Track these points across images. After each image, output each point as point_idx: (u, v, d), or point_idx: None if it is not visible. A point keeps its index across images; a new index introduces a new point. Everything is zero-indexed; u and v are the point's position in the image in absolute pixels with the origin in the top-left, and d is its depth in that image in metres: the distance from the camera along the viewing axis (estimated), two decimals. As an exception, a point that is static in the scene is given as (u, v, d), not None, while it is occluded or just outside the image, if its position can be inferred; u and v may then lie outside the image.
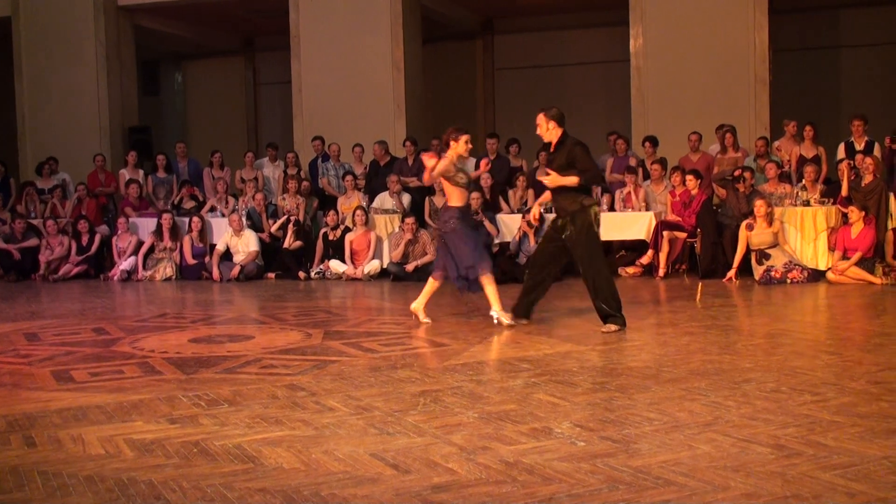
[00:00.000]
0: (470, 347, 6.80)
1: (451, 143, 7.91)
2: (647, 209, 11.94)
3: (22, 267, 13.43)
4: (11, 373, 6.32)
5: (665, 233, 11.41)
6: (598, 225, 7.62)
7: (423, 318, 8.10)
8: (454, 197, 7.91)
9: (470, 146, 7.98)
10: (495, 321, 7.79)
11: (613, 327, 7.41)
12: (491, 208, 12.31)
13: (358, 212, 12.37)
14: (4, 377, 6.17)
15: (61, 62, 16.74)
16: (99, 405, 5.20)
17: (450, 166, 7.84)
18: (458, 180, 7.86)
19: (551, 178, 7.50)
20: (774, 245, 10.60)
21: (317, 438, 4.37)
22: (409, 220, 11.98)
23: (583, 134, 14.81)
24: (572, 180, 7.41)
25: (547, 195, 7.92)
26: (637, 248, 11.90)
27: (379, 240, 12.37)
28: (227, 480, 3.79)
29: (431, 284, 8.12)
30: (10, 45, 17.09)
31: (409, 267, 11.75)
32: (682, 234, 11.53)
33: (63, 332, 8.23)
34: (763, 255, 10.56)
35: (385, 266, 12.16)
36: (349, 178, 13.29)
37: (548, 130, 7.63)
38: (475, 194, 12.09)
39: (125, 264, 12.97)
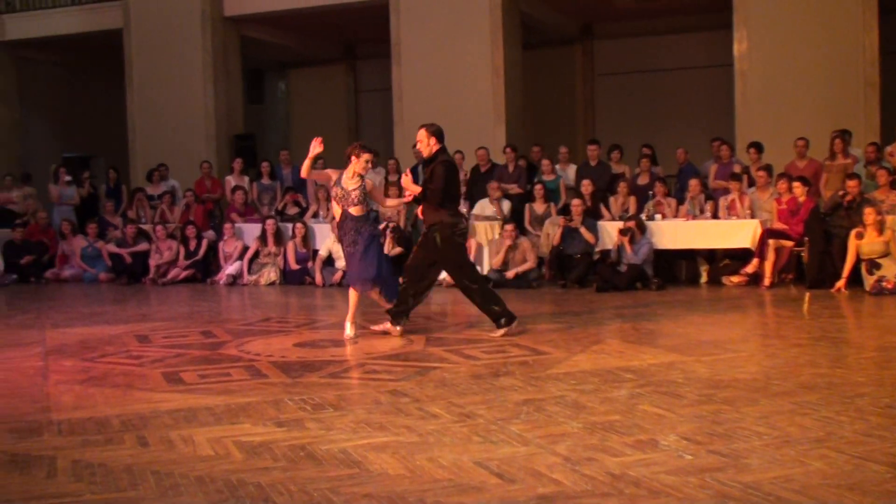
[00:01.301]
0: (572, 356, 6.75)
1: (353, 158, 7.98)
2: (753, 217, 11.67)
3: (133, 270, 13.84)
4: (125, 373, 6.52)
5: (771, 241, 11.15)
6: (464, 237, 8.03)
7: (350, 332, 7.96)
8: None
9: (369, 166, 8.04)
10: (346, 332, 7.93)
11: (504, 330, 7.70)
12: (592, 214, 12.20)
13: (458, 218, 12.39)
14: (118, 378, 6.37)
15: (170, 72, 17.24)
16: (208, 407, 5.33)
17: (327, 172, 8.19)
18: (333, 194, 8.07)
19: (406, 183, 7.95)
20: (886, 254, 10.25)
21: (421, 445, 4.40)
22: (509, 226, 11.96)
23: (684, 139, 14.81)
24: (415, 189, 7.82)
25: (407, 198, 8.27)
26: (742, 256, 11.64)
27: (479, 247, 12.38)
28: (333, 485, 3.84)
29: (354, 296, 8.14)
30: (121, 56, 17.67)
31: (510, 274, 11.73)
32: (789, 243, 11.25)
33: (172, 334, 8.45)
34: (874, 265, 10.23)
35: (485, 273, 12.16)
36: (449, 184, 13.32)
37: (428, 146, 7.86)
38: (576, 201, 12.02)
39: (231, 269, 13.26)
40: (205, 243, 13.86)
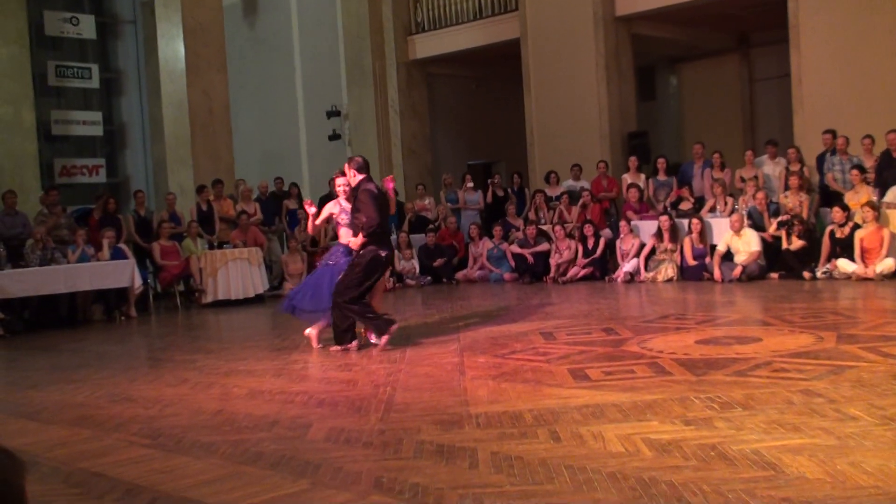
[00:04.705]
0: None
1: None
2: None
3: (535, 270, 14.41)
4: (533, 370, 6.80)
5: None
6: (377, 267, 8.27)
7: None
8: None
9: (339, 191, 8.65)
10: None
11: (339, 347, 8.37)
12: None
13: (867, 207, 11.61)
14: (528, 373, 6.66)
15: (565, 75, 17.71)
16: (614, 403, 5.42)
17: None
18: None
19: (354, 242, 8.31)
20: None
21: (840, 448, 4.18)
22: (929, 214, 11.01)
23: None
24: (359, 241, 8.23)
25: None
26: None
27: (893, 237, 11.49)
28: (748, 487, 3.76)
29: None
30: (519, 65, 18.44)
31: (930, 265, 10.79)
32: None
33: (575, 331, 8.69)
34: None
35: (904, 265, 11.28)
36: (855, 171, 12.51)
37: (354, 177, 8.35)
38: None
39: (628, 266, 13.38)
40: (602, 242, 14.10)
